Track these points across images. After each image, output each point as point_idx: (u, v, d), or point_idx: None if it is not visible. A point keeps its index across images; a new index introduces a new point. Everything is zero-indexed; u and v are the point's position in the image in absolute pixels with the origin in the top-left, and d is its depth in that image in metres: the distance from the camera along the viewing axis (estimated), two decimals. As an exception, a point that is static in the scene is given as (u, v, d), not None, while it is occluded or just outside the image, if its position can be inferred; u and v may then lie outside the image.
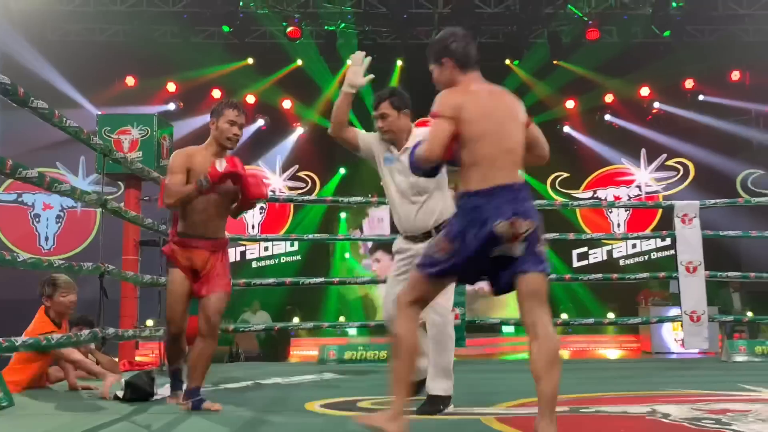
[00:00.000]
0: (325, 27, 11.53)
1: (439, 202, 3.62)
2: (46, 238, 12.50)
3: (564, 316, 12.27)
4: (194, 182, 3.65)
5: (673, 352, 10.05)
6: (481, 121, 2.78)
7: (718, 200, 6.93)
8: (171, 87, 12.11)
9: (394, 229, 4.20)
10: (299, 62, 12.37)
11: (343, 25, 11.50)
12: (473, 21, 11.29)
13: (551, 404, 2.54)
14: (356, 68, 3.59)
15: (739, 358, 6.08)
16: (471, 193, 2.73)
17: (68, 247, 12.25)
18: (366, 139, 3.77)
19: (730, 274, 6.75)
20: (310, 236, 9.85)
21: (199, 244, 3.75)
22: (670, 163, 13.41)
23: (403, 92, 3.74)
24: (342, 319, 11.40)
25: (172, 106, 12.11)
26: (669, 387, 4.34)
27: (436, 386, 3.54)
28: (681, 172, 13.34)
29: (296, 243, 12.44)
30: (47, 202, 12.42)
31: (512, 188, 2.73)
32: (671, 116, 13.18)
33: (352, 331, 11.21)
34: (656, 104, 13.16)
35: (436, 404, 3.52)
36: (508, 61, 12.68)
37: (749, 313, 10.22)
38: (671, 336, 10.26)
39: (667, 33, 11.68)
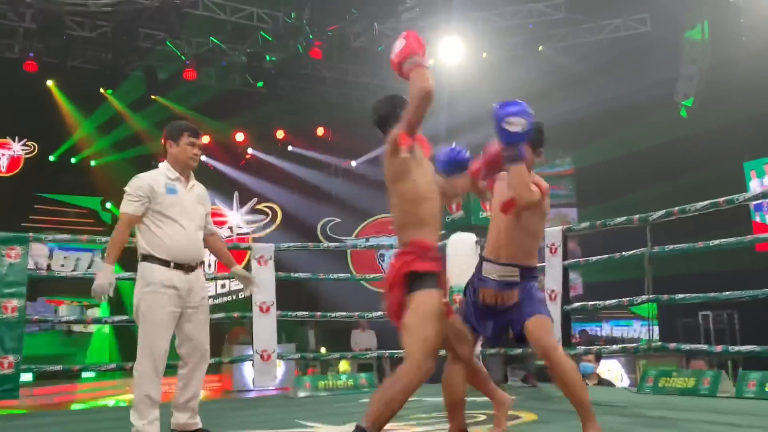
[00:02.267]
0: None
1: None
2: None
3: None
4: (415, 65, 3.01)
5: (252, 390, 10.34)
6: None
7: (291, 244, 7.36)
8: None
9: None
10: None
11: None
12: (63, 42, 10.54)
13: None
14: None
15: (303, 394, 6.43)
16: None
17: None
18: (148, 186, 3.76)
19: (299, 313, 7.16)
20: None
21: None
22: (260, 207, 14.07)
23: None
24: None
25: None
26: (232, 428, 4.36)
27: None
28: (270, 216, 14.08)
29: None
30: None
31: None
32: (263, 163, 13.89)
33: None
34: (250, 150, 13.75)
35: None
36: (102, 90, 12.11)
37: (323, 349, 11.09)
38: (251, 374, 10.56)
39: (260, 84, 12.31)
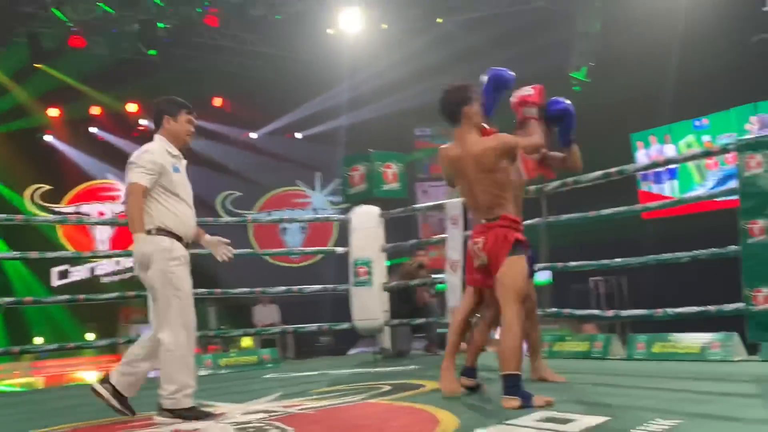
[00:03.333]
0: None
1: None
2: None
3: (39, 340, 11.37)
4: (528, 117, 3.96)
5: (150, 370, 10.06)
6: None
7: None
8: None
9: None
10: None
11: None
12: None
13: None
14: None
15: (203, 372, 6.30)
16: None
17: None
18: (160, 162, 3.73)
19: (198, 290, 6.94)
20: None
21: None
22: (155, 180, 13.61)
23: None
24: None
25: None
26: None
27: None
28: (165, 190, 13.65)
29: None
30: None
31: None
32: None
33: None
34: (143, 121, 13.24)
35: None
36: (-19, 58, 11.35)
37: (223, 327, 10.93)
38: (150, 353, 10.28)
39: (153, 52, 11.82)
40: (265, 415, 3.64)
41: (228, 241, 4.15)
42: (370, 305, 6.89)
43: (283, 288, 7.38)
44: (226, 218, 10.71)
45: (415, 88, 11.90)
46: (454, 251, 6.05)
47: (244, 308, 11.69)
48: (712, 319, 4.89)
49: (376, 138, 11.76)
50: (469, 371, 3.94)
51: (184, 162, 3.92)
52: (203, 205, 13.23)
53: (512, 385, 3.37)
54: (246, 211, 13.89)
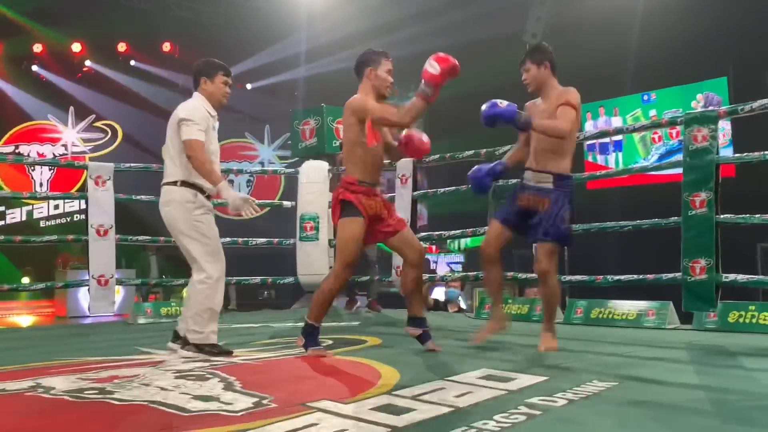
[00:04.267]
0: None
1: None
2: None
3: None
4: (417, 93, 3.63)
5: (88, 316, 9.89)
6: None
7: (131, 164, 6.98)
8: None
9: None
10: None
11: None
12: None
13: None
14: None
15: (143, 320, 6.23)
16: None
17: None
18: (206, 119, 3.87)
19: (140, 237, 6.85)
20: None
21: (377, 193, 3.87)
22: (98, 124, 13.22)
23: None
24: None
25: None
26: (64, 355, 4.13)
27: None
28: (109, 135, 13.27)
29: None
30: None
31: None
32: (102, 77, 13.00)
33: None
34: (87, 62, 12.81)
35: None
36: None
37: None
38: (87, 300, 10.09)
39: (102, -10, 11.41)
40: (207, 363, 3.61)
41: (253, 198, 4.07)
42: (315, 260, 6.87)
43: (228, 239, 7.28)
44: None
45: (371, 45, 11.72)
46: (402, 210, 6.06)
47: (187, 258, 11.52)
48: (650, 288, 5.04)
49: (328, 93, 11.60)
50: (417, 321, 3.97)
51: (217, 123, 4.06)
52: (148, 152, 12.99)
53: (308, 331, 3.82)
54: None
